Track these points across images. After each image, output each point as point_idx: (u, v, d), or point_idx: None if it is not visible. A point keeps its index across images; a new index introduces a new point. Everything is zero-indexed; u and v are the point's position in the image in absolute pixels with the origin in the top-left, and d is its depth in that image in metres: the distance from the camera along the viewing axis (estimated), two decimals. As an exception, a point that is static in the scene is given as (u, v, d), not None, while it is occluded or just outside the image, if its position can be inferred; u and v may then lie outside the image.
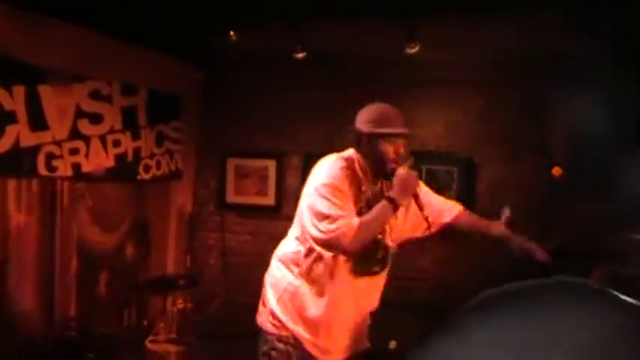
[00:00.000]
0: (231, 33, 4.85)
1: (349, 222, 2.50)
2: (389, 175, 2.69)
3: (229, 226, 6.29)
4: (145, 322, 5.49)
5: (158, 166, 5.73)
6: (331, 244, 2.53)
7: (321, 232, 2.52)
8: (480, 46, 5.03)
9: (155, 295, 5.70)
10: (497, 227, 2.96)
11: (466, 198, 5.32)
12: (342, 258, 2.68)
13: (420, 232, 2.97)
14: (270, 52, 5.41)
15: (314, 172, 2.71)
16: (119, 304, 5.39)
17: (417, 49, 4.73)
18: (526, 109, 5.35)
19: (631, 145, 4.63)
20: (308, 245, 2.69)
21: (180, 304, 5.60)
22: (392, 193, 2.60)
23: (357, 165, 2.71)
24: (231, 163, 6.25)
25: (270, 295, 2.81)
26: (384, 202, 2.59)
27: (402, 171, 2.61)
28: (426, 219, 2.72)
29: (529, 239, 2.94)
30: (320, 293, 2.72)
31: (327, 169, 2.64)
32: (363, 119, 2.72)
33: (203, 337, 5.46)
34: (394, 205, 2.59)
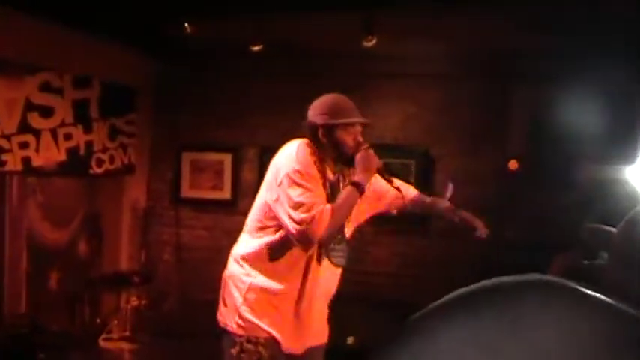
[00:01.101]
0: (186, 25, 4.79)
1: (323, 209, 2.51)
2: (349, 163, 2.71)
3: (184, 221, 6.27)
4: (99, 320, 5.45)
5: (111, 160, 5.66)
6: (307, 234, 2.51)
7: (296, 222, 2.50)
8: (438, 39, 5.08)
9: (108, 291, 5.67)
10: (442, 202, 3.11)
11: (423, 191, 5.38)
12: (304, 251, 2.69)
13: (381, 208, 3.05)
14: (227, 44, 5.40)
15: (279, 158, 2.66)
16: (71, 300, 5.32)
17: (374, 42, 4.73)
18: (485, 102, 5.43)
19: (590, 138, 4.72)
20: (272, 238, 2.67)
21: (134, 301, 5.57)
22: (355, 177, 2.63)
23: (316, 154, 2.69)
24: (187, 157, 6.22)
25: (235, 295, 2.74)
26: (349, 188, 2.62)
27: (360, 153, 2.66)
28: (398, 189, 2.83)
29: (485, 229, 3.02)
30: (288, 288, 2.71)
31: (295, 154, 2.60)
32: (318, 111, 2.72)
33: (158, 334, 5.43)
34: (360, 188, 2.62)
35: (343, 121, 2.67)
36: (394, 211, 3.14)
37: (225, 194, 6.12)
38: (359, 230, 3.05)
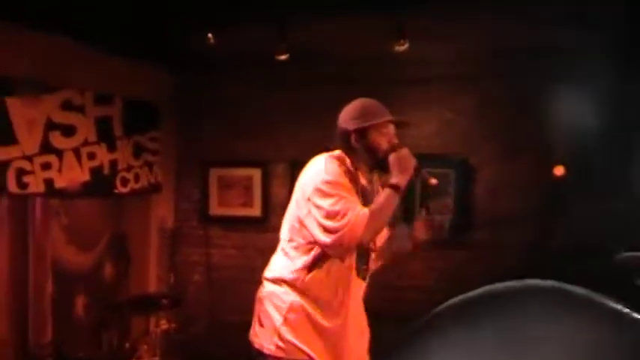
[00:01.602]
0: (209, 35, 4.80)
1: (359, 212, 2.54)
2: (384, 168, 2.73)
3: (214, 241, 6.26)
4: (127, 345, 5.42)
5: (136, 179, 5.70)
6: (344, 241, 2.52)
7: (332, 232, 2.52)
8: (472, 40, 5.04)
9: (137, 315, 5.66)
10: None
11: (464, 202, 5.34)
12: (347, 262, 2.70)
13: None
14: (250, 54, 5.39)
15: (307, 175, 2.72)
16: (98, 326, 5.30)
17: (406, 46, 4.72)
18: (524, 105, 5.35)
19: (635, 140, 4.65)
20: (308, 256, 2.70)
21: (163, 325, 5.51)
22: (392, 179, 2.65)
23: (348, 163, 2.75)
24: (214, 174, 6.23)
25: (274, 315, 2.76)
26: (386, 190, 2.64)
27: (394, 154, 2.68)
28: (436, 186, 2.74)
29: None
30: (329, 306, 2.73)
31: (323, 167, 2.66)
32: (348, 117, 2.78)
33: (188, 358, 5.45)
34: (397, 190, 2.62)
35: (375, 121, 2.73)
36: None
37: (255, 211, 6.11)
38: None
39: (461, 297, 1.18)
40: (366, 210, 2.56)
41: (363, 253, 2.77)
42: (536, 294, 1.17)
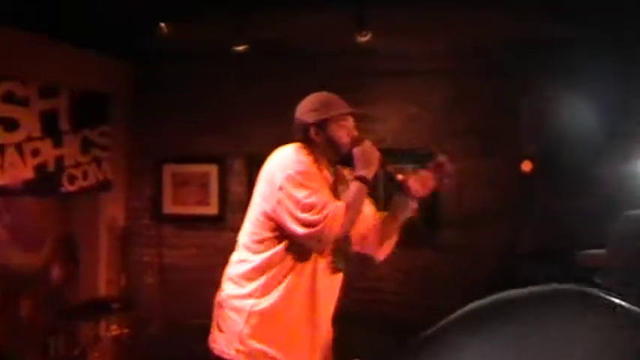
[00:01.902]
0: (162, 25, 4.72)
1: (336, 206, 2.55)
2: (347, 162, 2.75)
3: (168, 241, 6.20)
4: (76, 352, 5.33)
5: (85, 176, 5.58)
6: (322, 235, 2.53)
7: (309, 224, 2.52)
8: (441, 33, 5.04)
9: (86, 320, 5.50)
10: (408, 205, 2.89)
11: (431, 200, 5.33)
12: (319, 255, 2.69)
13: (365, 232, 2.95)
14: (208, 45, 5.34)
15: (274, 164, 2.70)
16: (45, 331, 5.20)
17: (368, 37, 4.70)
18: (493, 99, 5.40)
19: (610, 137, 4.70)
20: (274, 250, 2.67)
21: (114, 330, 5.47)
22: (358, 172, 2.66)
23: (311, 155, 2.74)
24: (168, 170, 6.16)
25: (234, 319, 2.72)
26: (355, 183, 2.65)
27: (358, 147, 2.70)
28: (404, 184, 2.76)
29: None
30: (297, 303, 2.70)
31: (293, 157, 2.66)
32: (306, 109, 2.80)
33: (142, 365, 5.32)
34: (366, 182, 2.65)
35: (334, 113, 2.73)
36: (374, 251, 3.02)
37: (212, 209, 6.06)
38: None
39: (473, 305, 1.17)
40: (341, 203, 2.58)
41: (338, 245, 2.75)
42: (561, 299, 1.15)
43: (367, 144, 2.72)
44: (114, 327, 5.47)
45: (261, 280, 2.68)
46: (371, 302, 5.52)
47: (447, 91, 5.55)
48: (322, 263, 2.72)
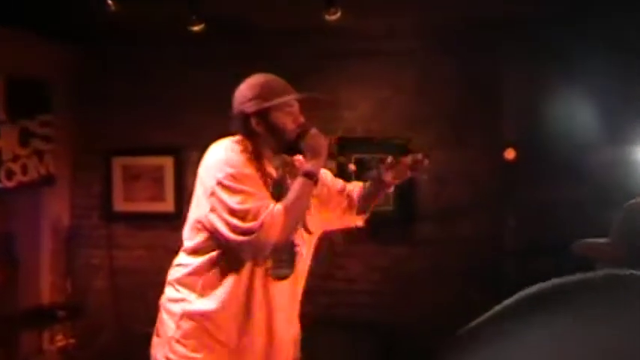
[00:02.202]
0: (109, 2, 4.59)
1: (273, 211, 2.48)
2: (293, 151, 2.70)
3: (118, 241, 6.11)
4: (17, 366, 5.36)
5: (24, 170, 5.46)
6: (259, 244, 2.47)
7: (243, 232, 2.46)
8: (415, 9, 4.98)
9: (27, 330, 5.49)
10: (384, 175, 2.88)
11: (406, 192, 5.26)
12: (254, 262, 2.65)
13: (330, 215, 2.96)
14: (161, 24, 5.25)
15: (205, 166, 2.65)
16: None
17: (338, 15, 4.60)
18: (472, 81, 5.35)
19: (601, 121, 4.65)
20: (209, 256, 2.64)
21: (60, 341, 5.48)
22: (305, 165, 2.62)
23: (250, 150, 2.68)
24: (118, 163, 6.06)
25: (168, 323, 2.71)
26: (300, 179, 2.60)
27: (306, 137, 2.64)
28: (355, 173, 2.78)
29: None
30: (231, 312, 2.65)
31: (223, 156, 2.59)
32: (244, 98, 2.70)
33: (91, 379, 5.37)
34: (311, 177, 2.60)
35: (277, 101, 2.64)
36: (354, 221, 3.04)
37: (168, 206, 5.98)
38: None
39: (522, 294, 1.04)
40: (280, 206, 2.50)
41: (281, 250, 2.69)
42: (623, 284, 1.06)
43: (313, 132, 2.65)
44: (59, 337, 5.48)
45: (196, 284, 2.66)
46: (340, 305, 5.49)
47: (420, 74, 5.51)
48: (260, 271, 2.68)
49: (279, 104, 2.64)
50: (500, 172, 5.20)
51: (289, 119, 2.66)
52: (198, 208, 2.63)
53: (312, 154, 2.60)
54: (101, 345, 5.85)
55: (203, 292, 2.64)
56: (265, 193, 2.56)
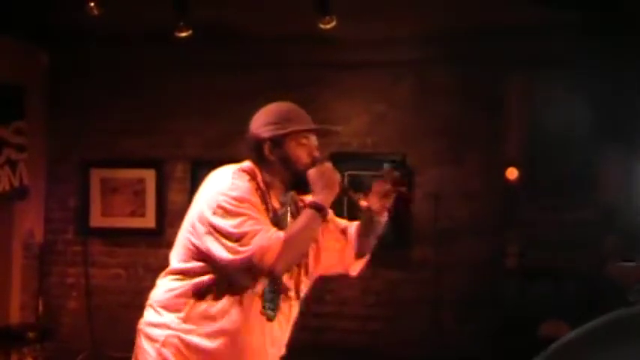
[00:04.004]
0: (91, 5, 4.64)
1: (271, 235, 2.47)
2: (303, 186, 2.67)
3: (95, 258, 6.11)
4: (-17, 391, 5.26)
5: (-5, 181, 5.44)
6: (252, 264, 2.46)
7: (237, 252, 2.46)
8: (413, 19, 5.03)
9: (-5, 353, 5.42)
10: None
11: (401, 211, 5.30)
12: (249, 294, 2.61)
13: (330, 262, 2.92)
14: (144, 30, 5.30)
15: (207, 189, 2.64)
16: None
17: (333, 23, 4.67)
18: (472, 95, 5.40)
19: (603, 139, 4.71)
20: (199, 280, 2.62)
21: None
22: (313, 197, 2.60)
23: (260, 179, 2.67)
24: (96, 175, 6.08)
25: (147, 349, 2.68)
26: (307, 210, 2.59)
27: (314, 169, 2.63)
28: (369, 210, 2.70)
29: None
30: (220, 344, 2.62)
31: (228, 180, 2.58)
32: (261, 123, 2.70)
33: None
34: (320, 210, 2.58)
35: (293, 128, 2.65)
36: (352, 265, 2.97)
37: (148, 222, 6.00)
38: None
39: (590, 324, 1.18)
40: (279, 233, 2.50)
41: (274, 285, 2.68)
42: None
43: (327, 166, 2.64)
44: None
45: (182, 308, 2.64)
46: (330, 330, 5.51)
47: (417, 85, 5.57)
48: (255, 307, 2.66)
49: (295, 135, 2.65)
50: (500, 190, 5.23)
51: (304, 151, 2.67)
52: (194, 230, 2.63)
53: (322, 185, 2.60)
54: None
55: (188, 319, 2.63)
56: (267, 221, 2.55)
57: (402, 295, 5.48)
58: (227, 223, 2.49)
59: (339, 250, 2.89)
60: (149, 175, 5.99)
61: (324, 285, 5.40)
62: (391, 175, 2.72)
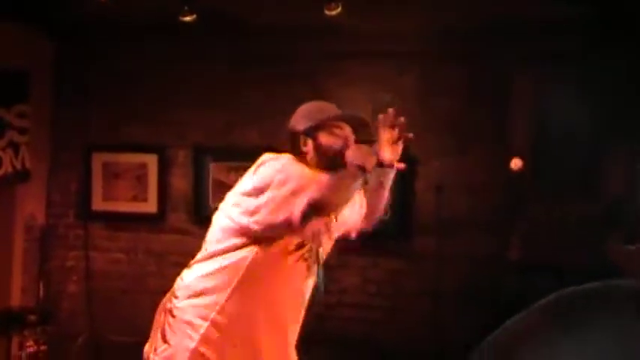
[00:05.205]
0: None
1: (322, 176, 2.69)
2: (338, 165, 2.82)
3: (96, 242, 6.14)
4: (-17, 373, 5.30)
5: (-2, 163, 5.51)
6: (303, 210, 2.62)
7: (291, 212, 2.63)
8: (419, 11, 5.04)
9: (-4, 335, 5.49)
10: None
11: (403, 202, 5.37)
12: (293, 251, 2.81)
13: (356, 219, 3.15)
14: (148, 15, 5.31)
15: (263, 164, 2.80)
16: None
17: (339, 10, 4.71)
18: (478, 88, 5.42)
19: (607, 132, 4.73)
20: (242, 260, 2.78)
21: (30, 347, 5.43)
22: (356, 161, 2.75)
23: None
24: (98, 160, 6.10)
25: (188, 332, 2.81)
26: (350, 168, 2.73)
27: (350, 149, 2.84)
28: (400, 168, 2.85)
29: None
30: (264, 321, 2.83)
31: (278, 162, 2.77)
32: (297, 118, 2.94)
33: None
34: (363, 170, 2.69)
35: (321, 119, 2.86)
36: (367, 223, 3.21)
37: (150, 206, 5.99)
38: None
39: (556, 295, 1.24)
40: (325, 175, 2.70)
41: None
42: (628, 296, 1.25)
43: (360, 146, 2.85)
44: (29, 343, 5.43)
45: (224, 293, 2.80)
46: (331, 318, 5.54)
47: (422, 78, 5.58)
48: (296, 268, 2.84)
49: (326, 125, 2.86)
50: (504, 183, 5.25)
51: (337, 140, 2.87)
52: (241, 203, 2.80)
53: (361, 159, 2.73)
54: (73, 353, 5.84)
55: (232, 302, 2.79)
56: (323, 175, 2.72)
57: (403, 285, 5.53)
58: (286, 188, 2.66)
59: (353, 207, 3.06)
60: (151, 160, 6.00)
61: (325, 273, 5.48)
62: (392, 120, 2.81)
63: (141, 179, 6.04)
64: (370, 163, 2.72)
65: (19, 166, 5.73)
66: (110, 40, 5.90)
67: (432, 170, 5.52)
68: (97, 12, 4.87)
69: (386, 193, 3.05)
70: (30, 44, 5.83)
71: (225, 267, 2.81)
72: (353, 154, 2.81)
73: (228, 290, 2.79)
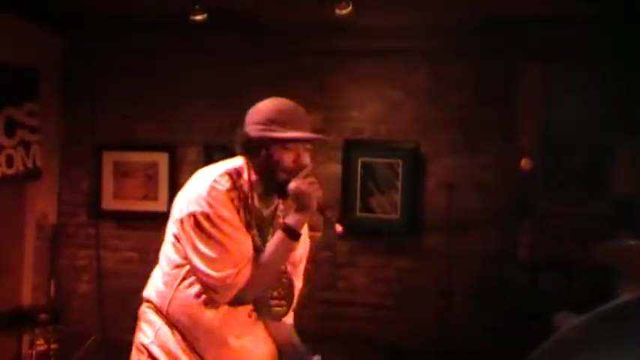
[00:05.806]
0: None
1: (240, 270, 2.54)
2: (282, 193, 2.66)
3: (106, 241, 6.16)
4: (-6, 371, 5.31)
5: (9, 162, 5.50)
6: (225, 290, 2.56)
7: (209, 277, 2.55)
8: (430, 8, 5.03)
9: (6, 334, 5.52)
10: None
11: (413, 199, 5.38)
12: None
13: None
14: (158, 12, 5.31)
15: (188, 192, 2.69)
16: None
17: (349, 9, 4.71)
18: (489, 86, 5.42)
19: (617, 131, 4.72)
20: (181, 276, 2.70)
21: (40, 345, 5.40)
22: (288, 219, 2.63)
23: (245, 180, 2.68)
24: (108, 158, 6.11)
25: (146, 331, 2.81)
26: (279, 235, 2.62)
27: (293, 184, 2.58)
28: (342, 233, 2.72)
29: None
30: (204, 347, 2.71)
31: (205, 192, 2.59)
32: (254, 119, 2.66)
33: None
34: (292, 236, 2.60)
35: (277, 135, 2.58)
36: None
37: (161, 205, 5.96)
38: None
39: (602, 309, 1.23)
40: (246, 271, 2.56)
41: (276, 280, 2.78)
42: None
43: (307, 183, 2.58)
44: (40, 342, 5.41)
45: (165, 306, 2.74)
46: (340, 318, 5.55)
47: (432, 75, 5.57)
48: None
49: (281, 138, 2.58)
50: (514, 181, 5.25)
51: (289, 157, 2.61)
52: (174, 227, 2.73)
53: (299, 204, 2.59)
54: (84, 351, 5.81)
55: (174, 319, 2.70)
56: (242, 239, 2.59)
57: (413, 283, 5.52)
58: (202, 244, 2.55)
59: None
60: (162, 159, 6.01)
61: (335, 272, 5.47)
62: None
63: (151, 178, 6.06)
64: (303, 218, 2.62)
65: (30, 165, 5.73)
66: (119, 38, 5.89)
67: (443, 168, 5.52)
68: (107, 9, 4.84)
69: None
70: (40, 42, 5.83)
71: (164, 282, 2.80)
72: (291, 200, 2.63)
73: (165, 308, 2.74)
